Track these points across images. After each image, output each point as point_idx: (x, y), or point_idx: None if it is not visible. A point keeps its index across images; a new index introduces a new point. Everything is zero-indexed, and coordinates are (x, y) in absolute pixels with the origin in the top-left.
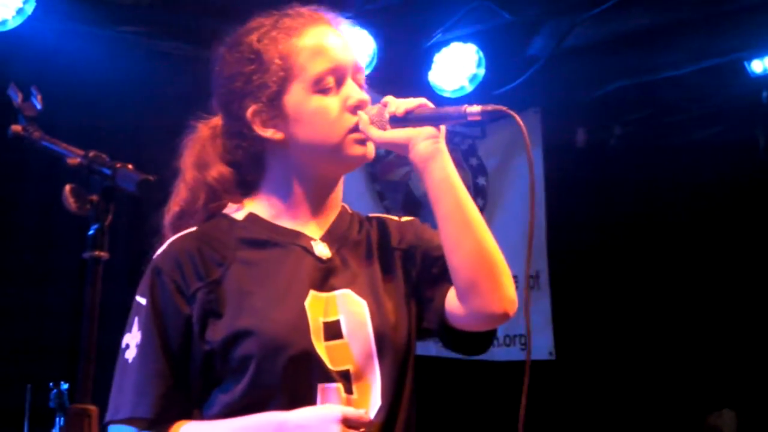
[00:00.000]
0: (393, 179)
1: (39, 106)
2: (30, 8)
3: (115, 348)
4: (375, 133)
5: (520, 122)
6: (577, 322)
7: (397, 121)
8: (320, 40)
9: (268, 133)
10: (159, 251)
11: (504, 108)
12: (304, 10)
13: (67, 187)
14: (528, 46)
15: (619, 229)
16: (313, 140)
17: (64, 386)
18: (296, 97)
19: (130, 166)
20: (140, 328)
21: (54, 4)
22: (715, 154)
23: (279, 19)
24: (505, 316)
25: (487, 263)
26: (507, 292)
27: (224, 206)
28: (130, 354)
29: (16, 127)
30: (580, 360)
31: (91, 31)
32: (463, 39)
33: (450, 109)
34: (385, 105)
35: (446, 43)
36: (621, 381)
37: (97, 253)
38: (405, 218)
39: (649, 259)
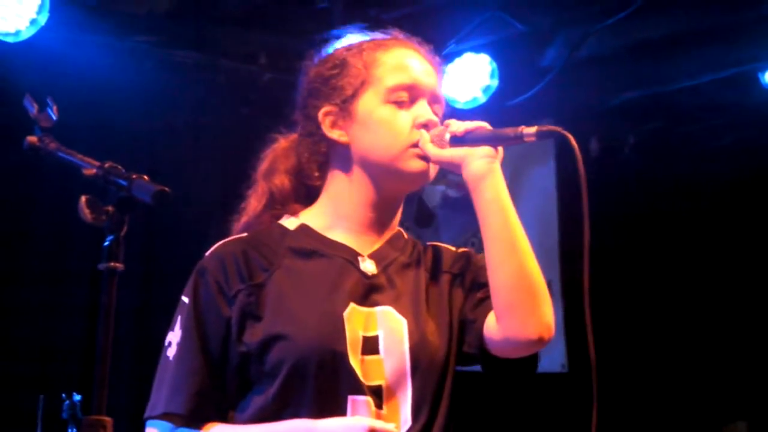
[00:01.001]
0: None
1: (54, 117)
2: (43, 19)
3: (128, 357)
4: (432, 150)
5: (573, 143)
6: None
7: (456, 141)
8: (404, 58)
9: (335, 134)
10: (207, 253)
11: (559, 129)
12: (397, 32)
13: (83, 198)
14: (541, 56)
15: (633, 239)
16: (375, 148)
17: (77, 397)
18: (368, 103)
19: (145, 178)
20: (182, 326)
21: (67, 14)
22: (730, 164)
23: (371, 36)
24: (540, 342)
25: (528, 286)
26: (545, 318)
27: (280, 217)
28: (171, 352)
29: (32, 139)
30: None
31: (104, 41)
32: (476, 49)
33: (507, 131)
34: (447, 126)
35: (459, 53)
36: (635, 393)
37: (112, 264)
38: (462, 249)
39: (664, 269)
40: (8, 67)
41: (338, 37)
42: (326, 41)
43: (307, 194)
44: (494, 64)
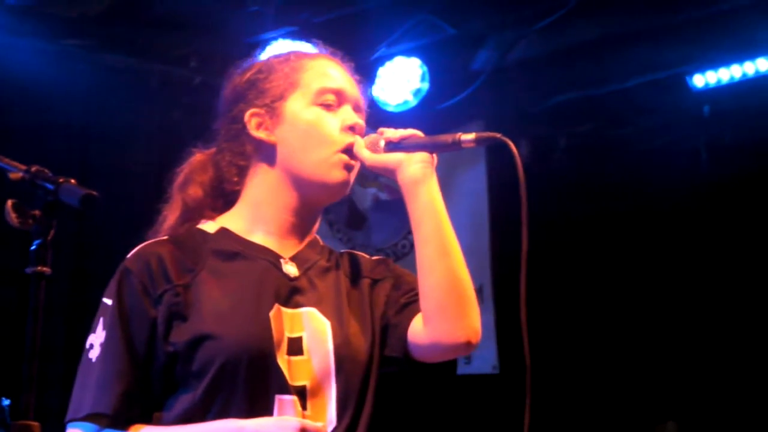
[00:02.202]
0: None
1: None
2: None
3: (56, 360)
4: (367, 154)
5: (514, 150)
6: (521, 335)
7: (392, 147)
8: (330, 68)
9: (262, 134)
10: (129, 255)
11: (498, 135)
12: (322, 48)
13: (9, 203)
14: (472, 59)
15: (564, 242)
16: (302, 150)
17: (6, 402)
18: (296, 104)
19: (73, 181)
20: (105, 327)
21: None
22: (659, 167)
23: (295, 48)
24: (468, 346)
25: (458, 290)
26: (473, 322)
27: (198, 222)
28: (94, 353)
29: None
30: (525, 374)
31: (36, 44)
32: (407, 53)
33: (444, 137)
34: (381, 134)
35: (390, 57)
36: (567, 394)
37: (40, 268)
38: (376, 257)
39: (595, 271)
40: None
41: (269, 41)
42: (257, 45)
43: (223, 203)
44: (425, 68)
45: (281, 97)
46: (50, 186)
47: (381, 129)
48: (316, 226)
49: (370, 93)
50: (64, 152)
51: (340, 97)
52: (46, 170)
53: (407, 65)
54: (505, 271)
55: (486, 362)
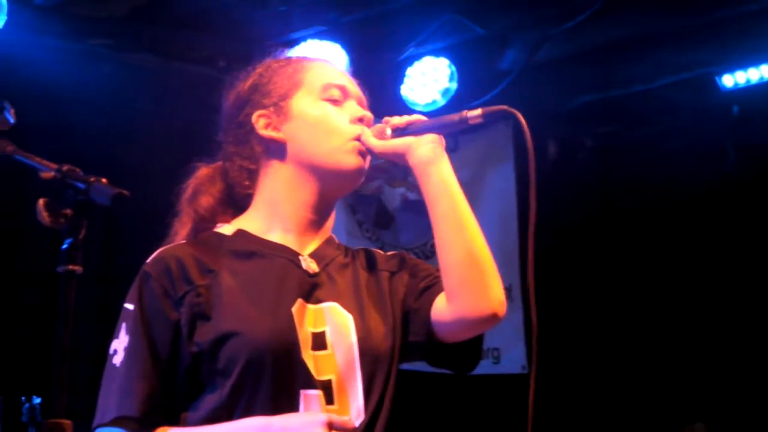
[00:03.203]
0: (365, 193)
1: (12, 120)
2: (1, 21)
3: (86, 360)
4: (376, 142)
5: (522, 120)
6: (550, 335)
7: (399, 132)
8: (330, 68)
9: (271, 133)
10: (149, 259)
11: (505, 107)
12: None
13: (41, 201)
14: (500, 59)
15: (590, 241)
16: (313, 143)
17: (37, 400)
18: (303, 101)
19: (104, 180)
20: (128, 332)
21: (24, 17)
22: (685, 167)
23: (295, 54)
24: (493, 317)
25: (479, 263)
26: (496, 293)
27: (214, 227)
28: (118, 359)
29: None
30: (554, 373)
31: (62, 44)
32: (435, 53)
33: (451, 116)
34: (386, 122)
35: (418, 57)
36: (596, 394)
37: (70, 267)
38: (391, 252)
39: (622, 270)
40: None
41: (297, 41)
42: (285, 45)
43: (234, 211)
44: (453, 68)
45: (287, 95)
46: (81, 185)
47: (386, 118)
48: (331, 222)
49: (399, 93)
50: (89, 152)
51: (345, 93)
52: (77, 169)
53: (436, 65)
54: (534, 270)
55: (515, 362)
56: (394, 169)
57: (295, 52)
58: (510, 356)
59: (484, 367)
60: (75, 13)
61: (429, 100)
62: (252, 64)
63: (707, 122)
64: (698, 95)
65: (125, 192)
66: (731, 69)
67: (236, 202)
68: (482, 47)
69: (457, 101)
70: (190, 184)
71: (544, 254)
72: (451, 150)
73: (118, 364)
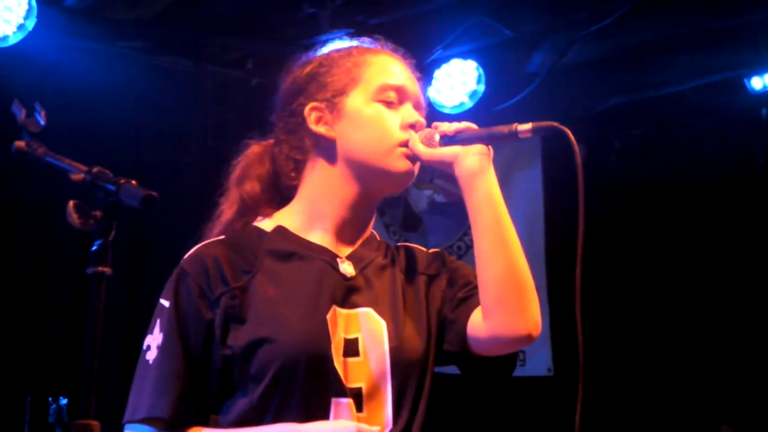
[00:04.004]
0: (392, 195)
1: (42, 122)
2: (31, 24)
3: (115, 361)
4: (423, 149)
5: (572, 137)
6: (576, 337)
7: (448, 140)
8: (392, 64)
9: (321, 129)
10: (186, 256)
11: (555, 124)
12: (384, 41)
13: (71, 203)
14: (528, 62)
15: (620, 245)
16: (363, 144)
17: (63, 401)
18: (357, 100)
19: (133, 182)
20: (162, 330)
21: (54, 20)
22: (716, 170)
23: (357, 42)
24: (528, 338)
25: (518, 282)
26: (533, 314)
27: (254, 219)
28: (151, 355)
29: (20, 143)
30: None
31: (91, 46)
32: (463, 55)
33: (500, 128)
34: (435, 128)
35: (446, 59)
36: (620, 397)
37: (100, 268)
38: (433, 250)
39: (651, 273)
40: None
41: (325, 43)
42: (313, 46)
43: (279, 199)
44: (481, 70)
45: (342, 92)
46: (111, 187)
47: (435, 123)
48: (372, 221)
49: (427, 95)
50: (119, 154)
51: (402, 95)
52: (107, 171)
53: (463, 67)
54: (561, 271)
55: (541, 364)
56: (421, 172)
57: (360, 39)
58: (536, 359)
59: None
60: (104, 15)
61: (456, 103)
62: (317, 48)
63: (736, 125)
64: (727, 98)
65: (155, 194)
66: (760, 72)
67: (281, 190)
68: (510, 50)
69: (484, 104)
70: (240, 164)
71: (573, 256)
72: None
73: (150, 361)
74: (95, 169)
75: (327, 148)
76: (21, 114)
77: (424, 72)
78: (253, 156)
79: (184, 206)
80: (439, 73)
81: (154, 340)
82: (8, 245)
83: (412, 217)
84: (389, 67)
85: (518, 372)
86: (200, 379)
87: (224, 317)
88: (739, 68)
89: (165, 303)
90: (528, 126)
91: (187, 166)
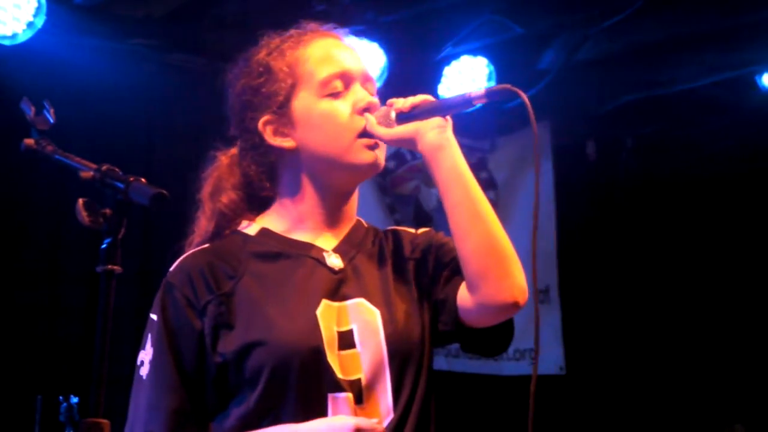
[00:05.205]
0: (403, 193)
1: (52, 120)
2: (40, 22)
3: (125, 360)
4: (382, 131)
5: (526, 100)
6: (588, 336)
7: (404, 117)
8: (327, 50)
9: (279, 141)
10: (171, 268)
11: (508, 86)
12: (312, 24)
13: (81, 201)
14: (538, 59)
15: (630, 243)
16: (323, 145)
17: (74, 399)
18: (304, 102)
19: (143, 180)
20: (152, 344)
21: (64, 17)
22: (728, 167)
23: (287, 35)
24: (515, 305)
25: (497, 251)
26: (517, 280)
27: (238, 225)
28: (144, 371)
29: (29, 141)
30: (591, 375)
31: (101, 44)
32: (474, 52)
33: (455, 97)
34: (390, 105)
35: (456, 56)
36: (632, 396)
37: (110, 266)
38: (422, 229)
39: (663, 271)
40: (5, 70)
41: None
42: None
43: (259, 203)
44: (491, 67)
45: (288, 98)
46: (121, 185)
47: (390, 100)
48: (355, 208)
49: (436, 92)
50: (129, 152)
51: (346, 78)
52: (117, 169)
53: (474, 64)
54: (572, 272)
55: (552, 363)
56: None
57: (289, 29)
58: (547, 357)
59: (522, 368)
60: (114, 12)
61: None
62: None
63: (749, 123)
64: (740, 95)
65: (164, 192)
66: None
67: (259, 198)
68: (521, 47)
69: (494, 101)
70: (211, 177)
71: (584, 254)
72: (489, 151)
73: (144, 377)
74: (105, 167)
75: (291, 158)
76: (30, 112)
77: (434, 69)
78: (223, 168)
79: (195, 205)
80: (449, 70)
81: (146, 355)
82: (18, 243)
83: (423, 214)
84: (326, 55)
85: (530, 370)
86: (195, 390)
87: (213, 325)
88: (752, 66)
89: (154, 317)
90: (482, 91)
91: (198, 164)
